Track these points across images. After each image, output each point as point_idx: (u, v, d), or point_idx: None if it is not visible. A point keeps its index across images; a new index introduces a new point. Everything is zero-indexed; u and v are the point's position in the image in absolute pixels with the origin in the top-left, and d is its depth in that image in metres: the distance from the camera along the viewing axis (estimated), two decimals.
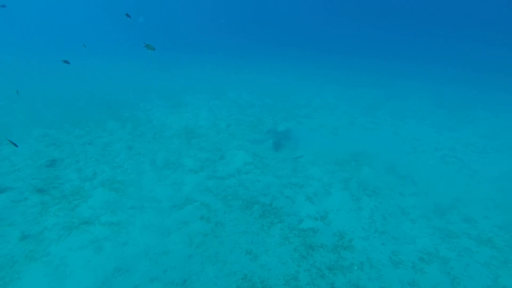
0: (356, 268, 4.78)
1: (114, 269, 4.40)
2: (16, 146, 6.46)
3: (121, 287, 4.14)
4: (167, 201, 6.39)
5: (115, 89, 16.47)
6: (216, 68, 25.14)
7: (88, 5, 56.65)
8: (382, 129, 12.25)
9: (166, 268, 4.62)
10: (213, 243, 5.18)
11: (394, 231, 5.79)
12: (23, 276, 4.24)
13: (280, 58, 33.50)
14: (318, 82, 21.29)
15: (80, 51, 24.26)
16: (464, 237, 5.68)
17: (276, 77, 22.80)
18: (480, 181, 8.04)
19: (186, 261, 4.77)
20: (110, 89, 16.42)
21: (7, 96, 13.08)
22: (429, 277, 4.70)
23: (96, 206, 5.88)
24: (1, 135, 8.55)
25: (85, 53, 25.37)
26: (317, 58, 34.50)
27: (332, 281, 4.52)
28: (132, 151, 8.85)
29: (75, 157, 8.12)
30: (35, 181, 6.70)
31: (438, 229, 5.88)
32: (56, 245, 4.83)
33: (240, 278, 4.48)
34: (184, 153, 8.85)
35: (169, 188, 6.92)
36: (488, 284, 4.64)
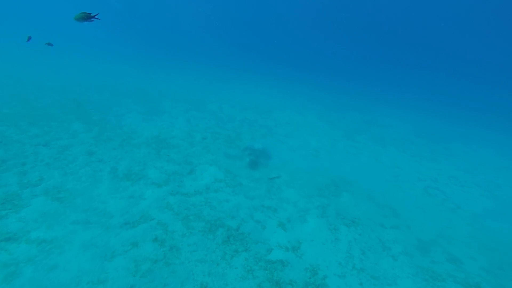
0: None
1: None
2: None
3: None
4: (119, 216, 5.52)
5: (90, 90, 15.48)
6: (200, 78, 24.62)
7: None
8: (363, 154, 11.87)
9: None
10: (163, 272, 4.35)
11: (374, 268, 5.14)
12: None
13: (267, 73, 33.58)
14: (302, 100, 21.10)
15: (58, 45, 23.25)
16: (450, 280, 5.10)
17: (260, 92, 22.49)
18: (463, 216, 7.62)
19: None
20: (84, 89, 15.41)
21: None
22: None
23: (29, 219, 4.93)
24: None
25: (67, 48, 24.34)
26: (302, 77, 34.80)
27: None
28: (92, 157, 7.93)
29: (22, 158, 7.11)
30: None
31: (422, 269, 5.29)
32: None
33: None
34: (150, 164, 8.01)
35: (125, 201, 6.05)
36: None
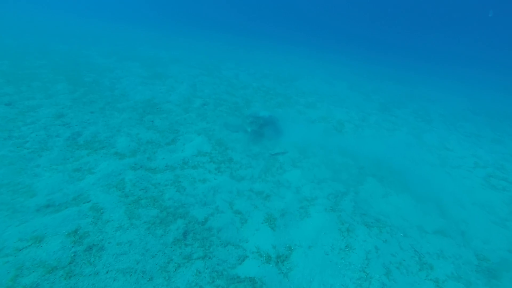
0: None
1: None
2: None
3: None
4: (43, 196, 4.02)
5: (98, 53, 14.26)
6: (223, 46, 22.71)
7: None
8: (401, 130, 9.47)
9: None
10: None
11: None
12: None
13: (295, 42, 30.92)
14: (333, 69, 18.57)
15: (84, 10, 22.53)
16: None
17: (287, 60, 20.23)
18: None
19: None
20: (91, 52, 14.24)
21: None
22: None
23: None
24: None
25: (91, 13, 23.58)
26: (339, 48, 31.62)
27: None
28: (58, 120, 6.53)
29: None
30: None
31: None
32: None
33: None
34: (124, 131, 6.46)
35: (65, 176, 4.55)
36: None
